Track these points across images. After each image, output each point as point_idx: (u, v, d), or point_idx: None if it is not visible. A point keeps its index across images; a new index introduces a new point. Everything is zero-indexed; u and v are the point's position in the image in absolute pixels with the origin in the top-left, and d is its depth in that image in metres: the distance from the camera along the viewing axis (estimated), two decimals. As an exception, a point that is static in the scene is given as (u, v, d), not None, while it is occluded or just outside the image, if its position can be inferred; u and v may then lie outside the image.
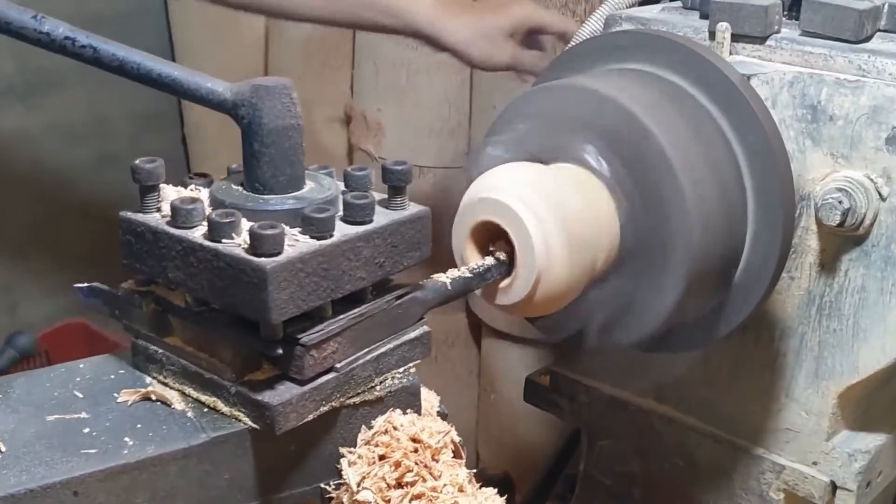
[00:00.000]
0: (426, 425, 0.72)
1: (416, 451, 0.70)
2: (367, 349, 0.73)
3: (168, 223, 0.69)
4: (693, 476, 1.20)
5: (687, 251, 0.86)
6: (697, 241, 0.86)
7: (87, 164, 2.26)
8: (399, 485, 0.69)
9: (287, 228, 0.66)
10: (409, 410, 0.75)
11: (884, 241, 0.96)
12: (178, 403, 0.72)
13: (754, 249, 0.94)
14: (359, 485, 0.69)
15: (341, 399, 0.71)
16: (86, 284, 0.76)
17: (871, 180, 0.94)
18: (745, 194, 0.93)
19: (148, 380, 0.74)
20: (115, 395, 0.72)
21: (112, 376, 0.75)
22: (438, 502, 0.69)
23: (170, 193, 0.71)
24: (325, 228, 0.67)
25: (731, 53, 1.02)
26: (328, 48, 2.01)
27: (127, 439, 0.67)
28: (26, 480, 0.63)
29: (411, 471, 0.69)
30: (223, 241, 0.66)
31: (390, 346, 0.74)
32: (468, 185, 0.85)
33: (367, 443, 0.72)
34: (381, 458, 0.70)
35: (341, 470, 0.71)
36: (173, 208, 0.68)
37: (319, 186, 0.72)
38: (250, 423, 0.69)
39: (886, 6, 1.01)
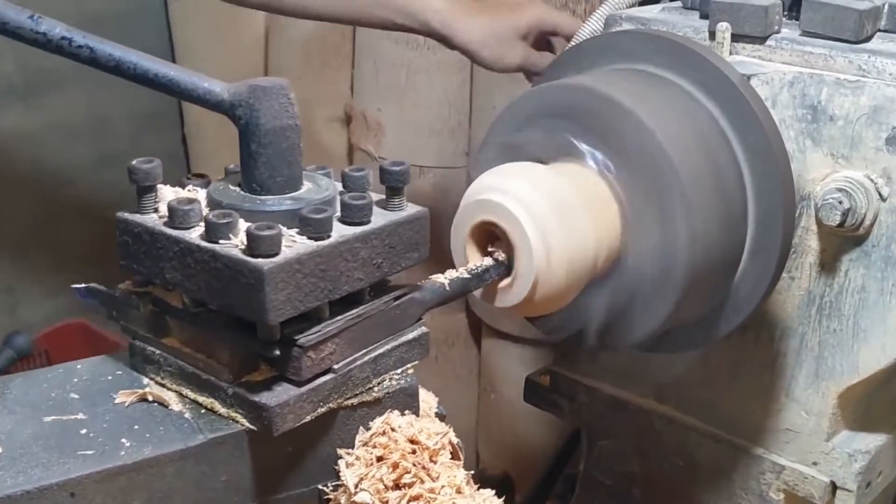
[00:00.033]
0: (424, 426, 0.72)
1: (413, 452, 0.70)
2: (364, 350, 0.72)
3: (165, 224, 0.69)
4: (693, 476, 1.20)
5: (687, 251, 0.86)
6: (698, 241, 0.86)
7: (87, 164, 2.26)
8: (397, 486, 0.69)
9: (284, 229, 0.66)
10: (407, 412, 0.74)
11: (884, 242, 0.96)
12: (176, 404, 0.72)
13: (754, 249, 0.94)
14: (356, 486, 0.69)
15: (339, 400, 0.71)
16: (83, 285, 0.75)
17: (872, 180, 0.94)
18: (745, 194, 0.93)
19: (145, 381, 0.74)
20: (113, 396, 0.72)
21: (109, 377, 0.74)
22: (436, 504, 0.69)
23: (167, 194, 0.71)
24: (323, 229, 0.67)
25: (731, 53, 1.02)
26: (328, 48, 2.01)
27: (124, 440, 0.67)
28: (23, 482, 0.62)
29: (409, 472, 0.69)
30: (220, 241, 0.66)
31: (388, 347, 0.74)
32: (469, 184, 0.85)
33: (365, 444, 0.72)
34: (379, 459, 0.70)
35: (339, 471, 0.71)
36: (170, 209, 0.68)
37: (317, 187, 0.72)
38: (248, 424, 0.69)
39: (886, 6, 1.01)
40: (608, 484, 1.29)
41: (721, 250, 0.91)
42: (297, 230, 0.67)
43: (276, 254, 0.64)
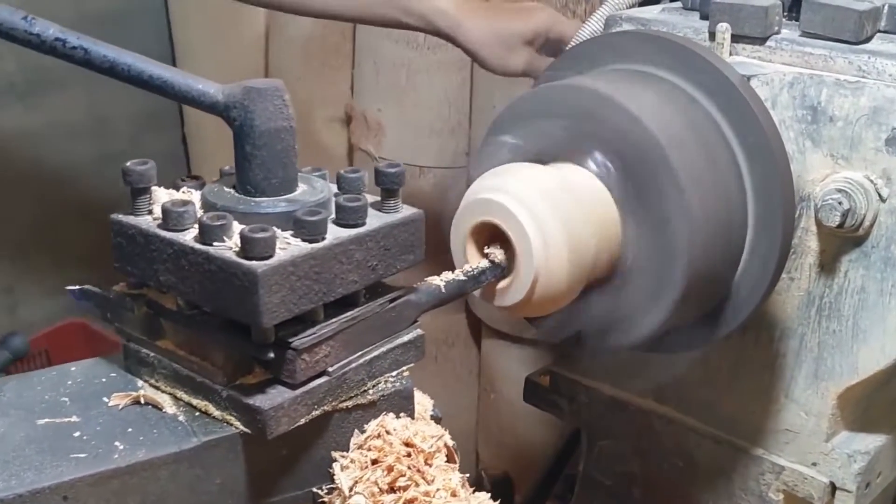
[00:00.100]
0: (419, 429, 0.72)
1: (408, 455, 0.70)
2: (359, 353, 0.72)
3: (159, 226, 0.68)
4: (693, 476, 1.20)
5: (687, 252, 0.86)
6: (697, 242, 0.86)
7: (88, 163, 2.26)
8: (392, 489, 0.69)
9: (279, 231, 0.66)
10: (402, 414, 0.74)
11: (883, 243, 0.96)
12: (170, 407, 0.71)
13: (754, 250, 0.94)
14: (351, 489, 0.69)
15: (334, 403, 0.71)
16: (77, 287, 0.75)
17: (871, 181, 0.94)
18: (745, 195, 0.93)
19: (139, 383, 0.74)
20: (106, 398, 0.71)
21: (103, 380, 0.74)
22: (431, 507, 0.69)
23: (161, 196, 0.71)
24: (317, 231, 0.66)
25: (731, 54, 1.02)
26: (328, 48, 2.01)
27: (117, 443, 0.67)
28: (15, 485, 0.62)
29: (404, 475, 0.69)
30: (214, 244, 0.65)
31: (383, 349, 0.74)
32: (468, 184, 0.84)
33: (360, 447, 0.71)
34: (374, 462, 0.70)
35: (333, 474, 0.71)
36: (164, 211, 0.67)
37: (312, 189, 0.72)
38: (242, 427, 0.68)
39: (886, 7, 1.01)
40: (608, 484, 1.29)
41: (721, 251, 0.91)
42: (291, 232, 0.67)
43: (270, 256, 0.64)
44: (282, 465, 0.72)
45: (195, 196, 0.72)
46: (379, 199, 0.73)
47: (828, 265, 1.00)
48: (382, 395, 0.74)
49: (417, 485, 0.69)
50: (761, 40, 1.01)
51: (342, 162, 2.06)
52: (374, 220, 0.71)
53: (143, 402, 0.72)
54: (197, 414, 0.71)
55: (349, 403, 0.72)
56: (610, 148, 0.87)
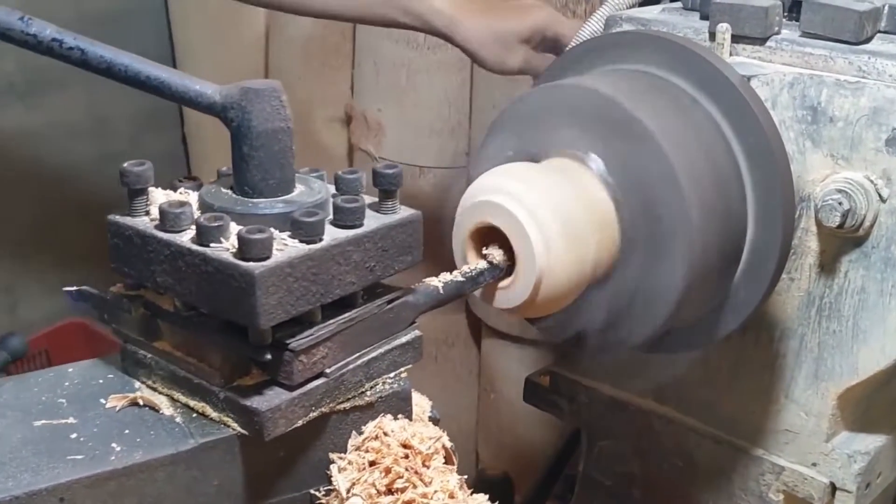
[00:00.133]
0: (417, 431, 0.71)
1: (406, 457, 0.70)
2: (357, 354, 0.72)
3: (156, 227, 0.68)
4: (692, 477, 1.19)
5: (687, 252, 0.86)
6: (697, 243, 0.86)
7: (88, 163, 2.26)
8: (389, 491, 0.69)
9: (276, 232, 0.66)
10: (400, 416, 0.74)
11: (884, 243, 0.95)
12: (167, 409, 0.71)
13: (754, 250, 0.94)
14: (349, 491, 0.69)
15: (331, 404, 0.71)
16: (74, 288, 0.75)
17: (871, 182, 0.94)
18: (745, 195, 0.93)
19: (137, 384, 0.74)
20: (103, 400, 0.71)
21: (100, 381, 0.74)
22: (429, 509, 0.68)
23: (158, 197, 0.71)
24: (315, 232, 0.66)
25: (731, 54, 1.01)
26: (328, 48, 2.01)
27: (114, 445, 0.67)
28: (12, 487, 0.62)
29: (402, 477, 0.68)
30: (211, 245, 0.65)
31: (381, 350, 0.74)
32: (469, 185, 0.84)
33: (358, 449, 0.71)
34: (372, 464, 0.70)
35: (331, 476, 0.71)
36: (161, 212, 0.67)
37: (309, 190, 0.72)
38: (239, 428, 0.68)
39: (887, 8, 1.01)
40: (608, 484, 1.29)
41: (720, 251, 0.91)
42: (288, 233, 0.67)
43: (268, 257, 0.63)
44: (279, 467, 0.71)
45: (192, 197, 0.72)
46: (377, 200, 0.73)
47: (828, 265, 1.00)
48: (380, 397, 0.74)
49: (415, 486, 0.69)
50: (761, 41, 1.00)
51: (342, 162, 2.06)
52: (372, 221, 0.71)
53: (140, 403, 0.72)
54: (194, 415, 0.70)
55: (347, 405, 0.72)
56: (609, 148, 0.87)
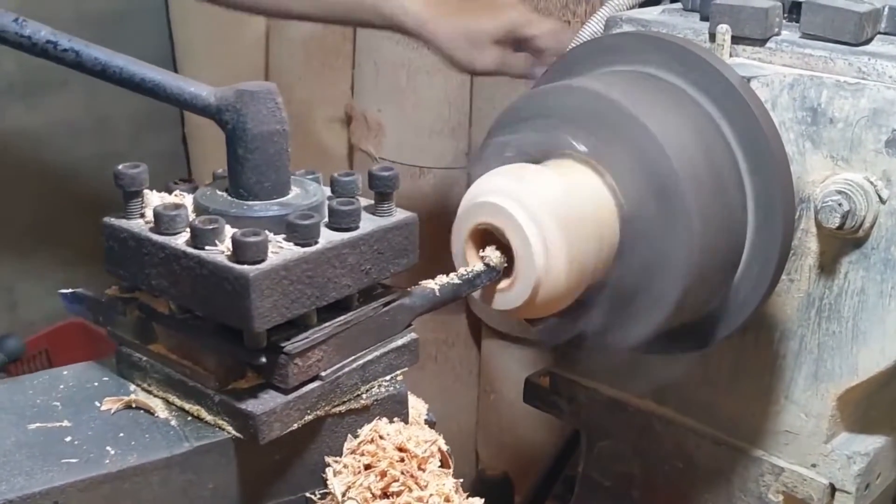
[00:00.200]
0: (413, 434, 0.71)
1: (402, 460, 0.69)
2: (353, 357, 0.72)
3: (151, 230, 0.68)
4: (692, 477, 1.19)
5: (686, 252, 0.85)
6: (697, 243, 0.86)
7: (88, 163, 2.26)
8: (385, 495, 0.68)
9: (271, 235, 0.66)
10: (395, 419, 0.74)
11: (883, 244, 0.95)
12: (162, 412, 0.71)
13: (754, 251, 0.94)
14: (344, 494, 0.69)
15: (327, 408, 0.71)
16: (69, 290, 0.75)
17: (871, 183, 0.94)
18: (745, 196, 0.93)
19: (132, 387, 0.74)
20: (98, 403, 0.71)
21: (95, 384, 0.74)
22: (424, 512, 0.68)
23: (154, 199, 0.71)
24: (310, 235, 0.66)
25: (731, 55, 1.01)
26: (328, 48, 2.00)
27: (109, 448, 0.66)
28: (5, 490, 0.62)
29: (397, 480, 0.68)
30: (206, 248, 0.65)
31: (377, 353, 0.74)
32: (468, 185, 0.84)
33: (353, 452, 0.71)
34: (367, 467, 0.70)
35: (326, 479, 0.71)
36: (156, 214, 0.67)
37: (305, 192, 0.72)
38: (234, 432, 0.68)
39: (886, 9, 1.01)
40: (607, 485, 1.29)
41: (720, 252, 0.91)
42: (283, 236, 0.67)
43: (262, 260, 0.63)
44: (274, 470, 0.71)
45: (187, 199, 0.72)
46: (373, 202, 0.73)
47: (828, 267, 0.99)
48: (376, 400, 0.73)
49: (411, 490, 0.68)
50: (761, 42, 1.00)
51: (342, 162, 2.06)
52: (368, 223, 0.71)
53: (134, 406, 0.71)
54: (189, 418, 0.70)
55: (342, 408, 0.72)
56: (610, 149, 0.86)
